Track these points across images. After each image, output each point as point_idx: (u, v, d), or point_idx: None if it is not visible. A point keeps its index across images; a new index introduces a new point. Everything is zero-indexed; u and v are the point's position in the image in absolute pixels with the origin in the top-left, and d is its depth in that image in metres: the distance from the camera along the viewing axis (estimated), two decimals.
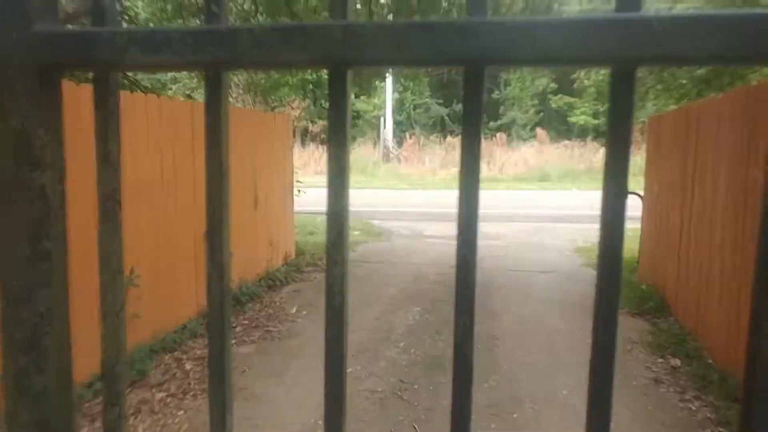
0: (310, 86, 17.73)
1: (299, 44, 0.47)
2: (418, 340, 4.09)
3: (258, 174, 5.43)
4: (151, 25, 7.19)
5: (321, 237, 7.72)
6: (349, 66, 0.48)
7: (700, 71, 6.97)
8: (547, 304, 4.95)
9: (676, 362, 3.65)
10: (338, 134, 0.51)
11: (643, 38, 0.42)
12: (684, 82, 7.53)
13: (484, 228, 9.07)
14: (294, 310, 4.78)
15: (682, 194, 4.51)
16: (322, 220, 9.11)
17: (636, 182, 6.57)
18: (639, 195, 6.04)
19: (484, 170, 17.04)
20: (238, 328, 4.25)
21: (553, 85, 22.16)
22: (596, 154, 18.09)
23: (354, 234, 8.27)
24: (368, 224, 9.08)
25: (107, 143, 0.55)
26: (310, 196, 6.81)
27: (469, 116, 0.49)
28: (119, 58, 0.50)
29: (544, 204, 11.56)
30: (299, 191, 6.66)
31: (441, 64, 0.47)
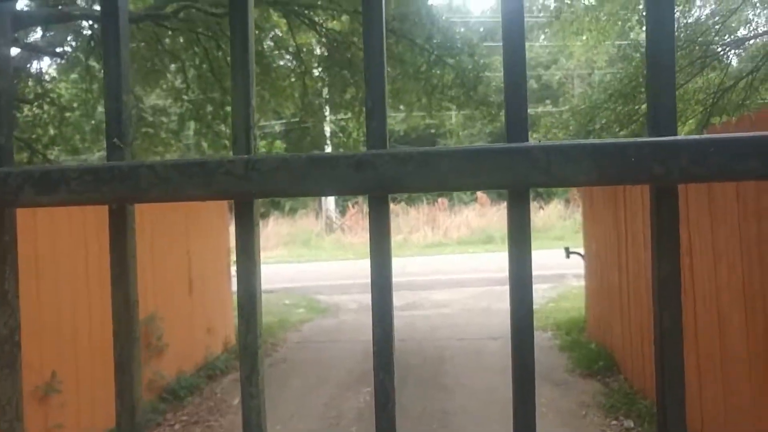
0: None
1: (201, 180, 0.47)
2: (369, 423, 3.93)
3: (192, 257, 5.25)
4: (75, 105, 7.08)
5: (264, 319, 7.47)
6: (252, 198, 0.49)
7: (624, 132, 7.54)
8: (499, 373, 4.92)
9: (630, 424, 3.67)
10: (247, 262, 0.50)
11: (528, 165, 0.45)
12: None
13: (432, 296, 9.12)
14: (236, 401, 4.54)
15: (617, 253, 4.71)
16: (264, 300, 8.83)
17: (578, 240, 6.84)
18: (580, 254, 6.27)
19: (429, 236, 17.27)
20: (177, 426, 3.97)
21: None
22: (536, 214, 18.80)
23: (298, 312, 8.08)
24: (313, 300, 8.91)
25: (4, 282, 0.52)
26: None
27: (377, 238, 0.50)
28: (13, 198, 0.48)
29: (490, 267, 11.77)
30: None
31: (344, 194, 0.49)
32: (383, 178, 0.46)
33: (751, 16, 9.80)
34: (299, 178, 0.46)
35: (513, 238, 0.49)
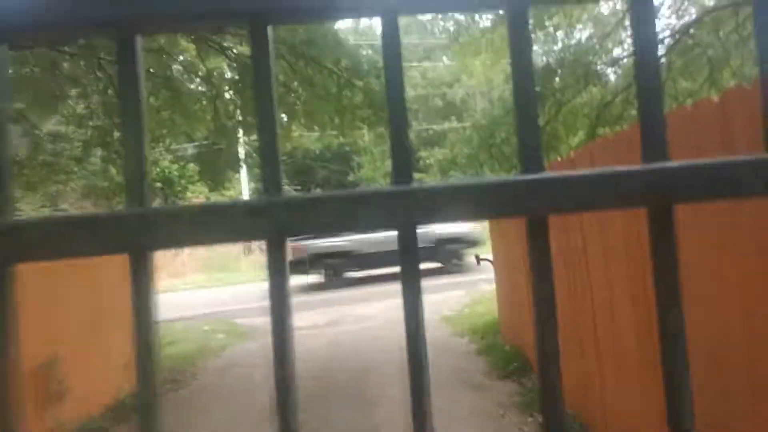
0: (159, 185, 17.00)
1: (92, 235, 0.46)
2: None
3: (102, 292, 4.95)
4: None
5: (182, 346, 7.17)
6: (147, 251, 0.49)
7: None
8: None
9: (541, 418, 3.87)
10: (144, 315, 0.50)
11: (413, 205, 0.49)
12: (510, 153, 8.56)
13: (356, 310, 9.13)
14: None
15: (522, 256, 4.98)
16: (183, 328, 8.50)
17: (489, 247, 7.13)
18: (489, 260, 6.56)
19: None
20: None
21: None
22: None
23: (218, 338, 7.80)
24: (233, 324, 8.65)
25: None
26: (168, 302, 6.35)
27: (276, 281, 0.51)
28: None
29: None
30: None
31: (241, 241, 0.50)
32: (278, 224, 0.48)
33: (624, 37, 10.79)
34: (195, 228, 0.47)
35: (405, 270, 0.52)
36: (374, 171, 23.30)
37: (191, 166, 17.77)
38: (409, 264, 0.52)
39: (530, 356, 5.02)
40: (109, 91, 6.55)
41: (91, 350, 4.69)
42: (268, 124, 0.51)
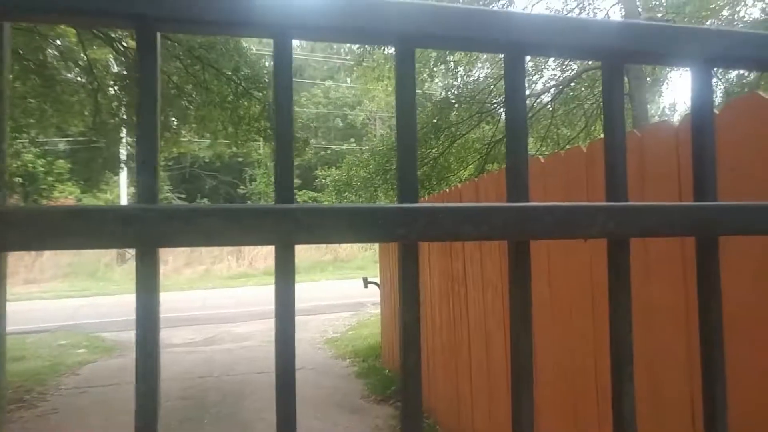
0: (19, 179, 15.32)
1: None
2: None
3: None
4: None
5: (31, 363, 6.45)
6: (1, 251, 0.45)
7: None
8: (300, 404, 4.93)
9: None
10: None
11: (292, 225, 0.50)
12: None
13: (234, 329, 8.79)
14: None
15: None
16: (33, 341, 7.66)
17: (377, 270, 7.24)
18: (377, 284, 6.66)
19: (234, 266, 16.65)
20: None
21: (298, 181, 23.56)
22: (341, 245, 19.45)
23: (77, 353, 7.11)
24: (97, 339, 7.94)
25: None
26: (20, 311, 5.70)
27: (144, 293, 0.50)
28: None
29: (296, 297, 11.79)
30: None
31: (111, 248, 0.48)
32: (151, 233, 0.47)
33: None
34: (60, 231, 0.45)
35: (279, 281, 0.53)
36: (267, 186, 22.86)
37: (61, 162, 16.22)
38: (285, 283, 0.53)
39: None
40: None
41: None
42: (148, 132, 0.50)
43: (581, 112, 9.66)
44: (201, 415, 4.67)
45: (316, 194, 21.69)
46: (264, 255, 17.62)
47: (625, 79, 9.52)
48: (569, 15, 8.77)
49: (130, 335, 8.30)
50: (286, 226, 0.50)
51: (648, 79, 10.63)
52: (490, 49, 0.62)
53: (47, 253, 16.00)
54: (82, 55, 6.52)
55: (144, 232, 0.47)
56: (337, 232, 0.51)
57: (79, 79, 7.11)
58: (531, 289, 0.59)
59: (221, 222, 0.48)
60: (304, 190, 22.51)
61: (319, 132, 22.85)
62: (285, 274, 0.53)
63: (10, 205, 0.44)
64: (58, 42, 6.49)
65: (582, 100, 9.62)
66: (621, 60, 0.63)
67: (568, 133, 10.09)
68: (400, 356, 0.57)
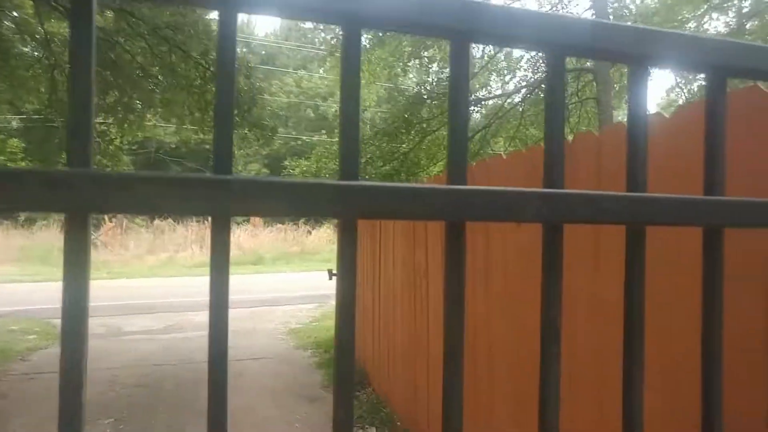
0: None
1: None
2: None
3: None
4: None
5: None
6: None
7: (386, 168, 8.32)
8: (259, 393, 4.91)
9: (372, 430, 4.01)
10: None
11: (228, 195, 0.50)
12: (374, 173, 8.84)
13: (195, 317, 8.65)
14: None
15: (372, 276, 5.15)
16: None
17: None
18: None
19: (197, 254, 16.41)
20: None
21: (266, 171, 23.30)
22: (308, 237, 19.35)
23: (28, 339, 6.90)
24: (48, 325, 7.71)
25: None
26: None
27: (73, 259, 0.49)
28: None
29: (259, 288, 11.70)
30: None
31: (35, 212, 0.47)
32: (81, 199, 0.46)
33: (490, 82, 11.75)
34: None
35: (215, 261, 0.53)
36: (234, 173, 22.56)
37: (14, 141, 15.58)
38: (220, 254, 0.53)
39: (368, 371, 5.17)
40: None
41: None
42: (82, 94, 0.49)
43: None
44: (155, 403, 4.60)
45: None
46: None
47: (594, 84, 9.74)
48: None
49: None
50: (223, 197, 0.50)
51: (616, 85, 10.91)
52: (440, 34, 0.63)
53: (10, 236, 15.42)
54: (39, 28, 6.28)
55: (73, 198, 0.46)
56: (275, 206, 0.52)
57: (35, 54, 6.84)
58: (465, 271, 0.61)
59: (158, 190, 0.48)
60: None
61: (290, 122, 22.59)
62: (221, 245, 0.53)
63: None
64: (15, 13, 6.23)
65: None
66: (562, 53, 0.65)
67: (537, 134, 10.26)
68: (335, 332, 0.58)
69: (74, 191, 0.46)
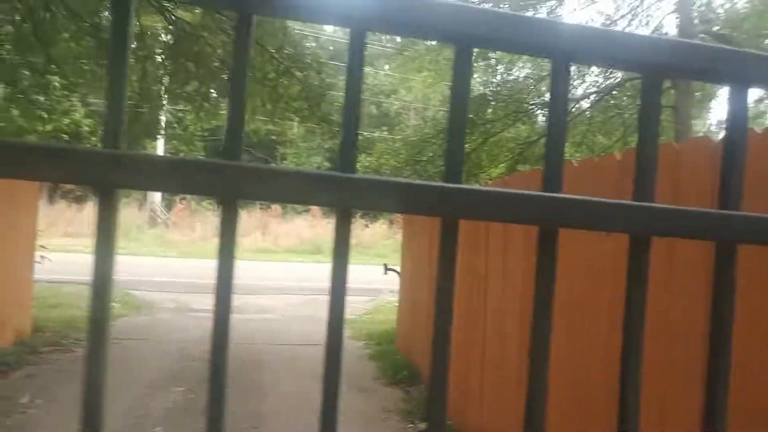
0: (65, 137, 15.82)
1: (63, 164, 0.51)
2: (176, 424, 3.80)
3: None
4: None
5: (68, 311, 6.74)
6: (114, 188, 0.54)
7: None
8: (313, 379, 5.07)
9: (423, 426, 4.06)
10: (104, 248, 0.55)
11: (352, 192, 0.58)
12: (434, 172, 8.88)
13: (257, 301, 9.00)
14: (26, 399, 4.03)
15: (427, 271, 5.20)
16: (71, 291, 7.97)
17: (397, 258, 7.33)
18: (397, 271, 6.75)
19: (260, 240, 17.00)
20: None
21: (327, 164, 23.75)
22: (365, 231, 19.58)
23: (112, 307, 7.42)
24: (128, 295, 8.24)
25: None
26: (58, 261, 5.97)
27: (226, 241, 0.58)
28: None
29: (317, 277, 11.98)
30: (42, 257, 5.77)
31: (199, 194, 0.56)
32: (233, 187, 0.55)
33: None
34: (163, 177, 0.53)
35: (336, 250, 0.61)
36: (297, 166, 23.08)
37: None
38: (341, 247, 0.61)
39: (420, 367, 5.23)
40: (26, 25, 6.02)
41: None
42: (238, 96, 0.58)
43: (620, 121, 9.50)
44: None
45: None
46: (288, 233, 17.87)
47: (672, 92, 9.33)
48: (612, 28, 8.57)
49: (158, 296, 8.60)
50: (348, 193, 0.58)
51: (697, 94, 10.39)
52: (539, 54, 0.68)
53: (86, 209, 16.54)
54: (135, 21, 6.70)
55: (230, 184, 0.55)
56: (391, 202, 0.59)
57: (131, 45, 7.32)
58: (555, 277, 0.66)
59: (297, 184, 0.56)
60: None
61: None
62: (342, 237, 0.60)
63: (129, 150, 0.53)
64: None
65: (622, 109, 9.45)
66: (660, 74, 0.68)
67: (604, 141, 9.94)
68: (434, 320, 0.64)
69: (228, 180, 0.55)
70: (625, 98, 9.28)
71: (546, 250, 0.66)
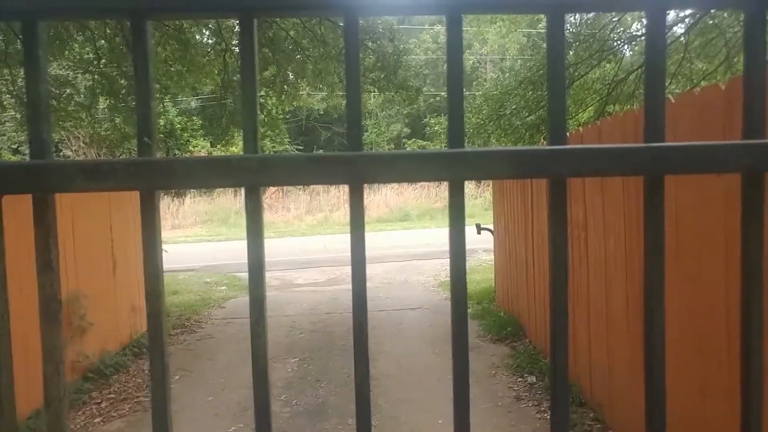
0: (162, 136, 17.03)
1: (224, 173, 0.61)
2: (298, 391, 4.12)
3: (116, 235, 5.14)
4: None
5: (185, 297, 7.40)
6: (261, 186, 0.64)
7: (531, 117, 8.07)
8: (418, 341, 5.27)
9: (533, 379, 4.11)
10: (150, 251, 0.65)
11: (464, 165, 0.63)
12: (519, 124, 8.63)
13: None
14: None
15: (524, 227, 5.15)
16: (184, 278, 8.74)
17: (488, 218, 7.30)
18: (490, 230, 6.72)
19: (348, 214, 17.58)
20: (104, 404, 3.94)
21: (407, 130, 23.73)
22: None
23: (220, 290, 8.04)
24: (234, 278, 8.88)
25: (50, 252, 0.64)
26: (170, 252, 6.55)
27: (355, 224, 0.67)
28: (67, 185, 0.60)
29: (408, 243, 12.21)
30: (164, 250, 6.36)
31: (332, 183, 0.65)
32: (360, 173, 0.63)
33: (643, 13, 10.56)
34: (300, 173, 0.62)
35: (452, 218, 0.67)
36: (378, 135, 23.22)
37: (195, 119, 17.73)
38: (457, 215, 0.67)
39: (523, 322, 5.25)
40: (117, 38, 6.51)
41: (107, 290, 4.91)
42: (354, 98, 0.65)
43: (722, 42, 8.64)
44: (330, 347, 5.17)
45: (425, 143, 21.67)
46: (377, 204, 18.18)
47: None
48: None
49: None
50: (460, 166, 0.64)
51: None
52: (634, 8, 0.69)
53: (188, 202, 17.83)
54: (211, 18, 7.03)
55: (357, 172, 0.63)
56: (500, 170, 0.64)
57: (208, 41, 7.70)
58: (664, 222, 0.68)
59: (413, 163, 0.63)
60: (414, 139, 22.61)
61: (428, 79, 22.61)
62: (457, 210, 0.67)
63: (270, 154, 0.62)
64: None
65: (724, 28, 8.59)
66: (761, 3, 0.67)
67: (704, 68, 9.11)
68: (550, 272, 0.69)
69: (355, 167, 0.63)
70: (726, 15, 8.41)
71: (653, 199, 0.68)
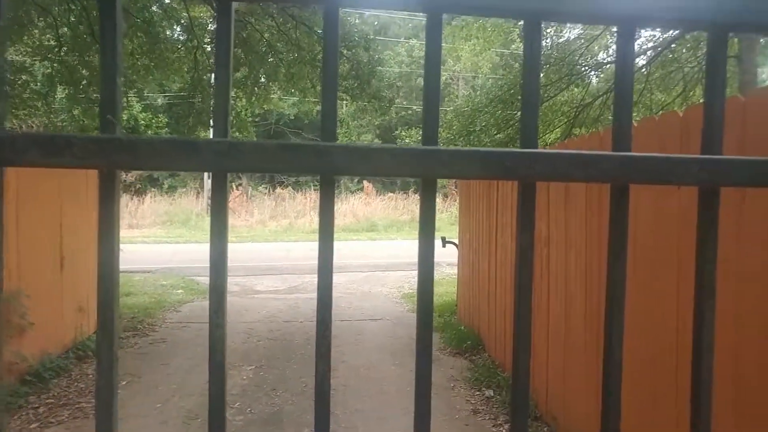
0: (124, 131, 16.59)
1: (191, 155, 0.60)
2: (253, 399, 4.03)
3: (65, 231, 4.90)
4: None
5: (139, 299, 7.18)
6: (227, 171, 0.62)
7: (500, 135, 8.23)
8: (378, 351, 5.24)
9: (490, 393, 4.14)
10: (107, 238, 0.64)
11: (435, 163, 0.63)
12: (488, 141, 8.77)
13: (316, 279, 9.27)
14: None
15: (488, 243, 5.22)
16: (139, 280, 8.49)
17: (454, 231, 7.36)
18: (455, 244, 6.78)
19: (315, 221, 17.33)
20: (41, 409, 3.75)
21: (378, 141, 23.83)
22: (418, 205, 19.63)
23: (177, 293, 7.83)
24: (192, 281, 8.67)
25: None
26: (126, 252, 6.36)
27: (325, 217, 0.66)
28: (17, 158, 0.57)
29: (373, 254, 12.19)
30: (120, 249, 6.16)
31: (305, 174, 0.64)
32: (333, 164, 0.62)
33: (610, 42, 11.00)
34: (271, 160, 0.61)
35: (423, 215, 0.67)
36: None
37: (162, 117, 17.34)
38: (428, 214, 0.67)
39: (483, 336, 5.29)
40: (81, 27, 6.29)
41: (52, 288, 4.69)
42: (331, 86, 0.65)
43: (680, 75, 9.03)
44: (288, 355, 5.09)
45: None
46: (343, 213, 18.14)
47: (735, 39, 8.77)
48: None
49: None
50: (432, 164, 0.63)
51: (762, 41, 9.71)
52: (604, 22, 0.71)
53: (147, 201, 17.38)
54: (184, 14, 6.91)
55: (332, 164, 0.62)
56: (472, 169, 0.64)
57: (179, 37, 7.57)
58: (628, 228, 0.70)
59: (386, 158, 0.63)
60: None
61: (400, 92, 22.80)
62: (428, 208, 0.67)
63: (240, 138, 0.61)
64: (166, 0, 6.89)
65: (682, 63, 8.98)
66: (726, 31, 0.70)
67: (663, 99, 9.50)
68: (516, 275, 0.70)
69: (329, 158, 0.62)
70: (684, 50, 8.81)
71: (619, 206, 0.70)
